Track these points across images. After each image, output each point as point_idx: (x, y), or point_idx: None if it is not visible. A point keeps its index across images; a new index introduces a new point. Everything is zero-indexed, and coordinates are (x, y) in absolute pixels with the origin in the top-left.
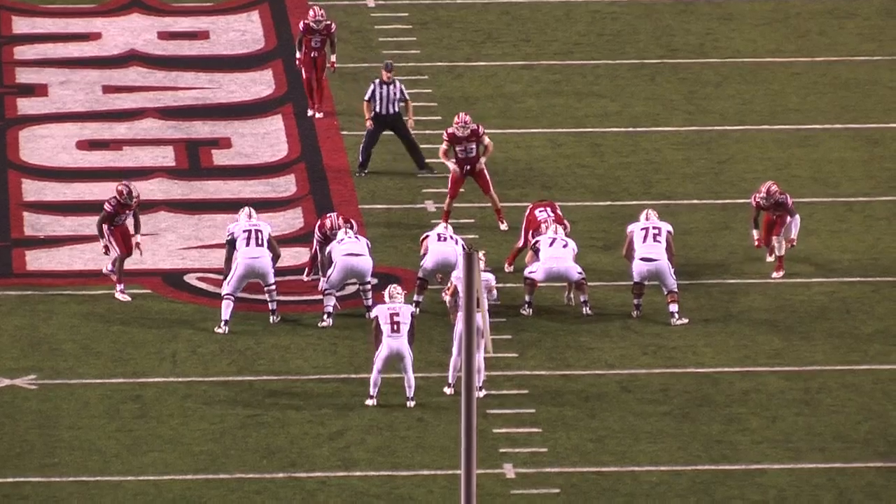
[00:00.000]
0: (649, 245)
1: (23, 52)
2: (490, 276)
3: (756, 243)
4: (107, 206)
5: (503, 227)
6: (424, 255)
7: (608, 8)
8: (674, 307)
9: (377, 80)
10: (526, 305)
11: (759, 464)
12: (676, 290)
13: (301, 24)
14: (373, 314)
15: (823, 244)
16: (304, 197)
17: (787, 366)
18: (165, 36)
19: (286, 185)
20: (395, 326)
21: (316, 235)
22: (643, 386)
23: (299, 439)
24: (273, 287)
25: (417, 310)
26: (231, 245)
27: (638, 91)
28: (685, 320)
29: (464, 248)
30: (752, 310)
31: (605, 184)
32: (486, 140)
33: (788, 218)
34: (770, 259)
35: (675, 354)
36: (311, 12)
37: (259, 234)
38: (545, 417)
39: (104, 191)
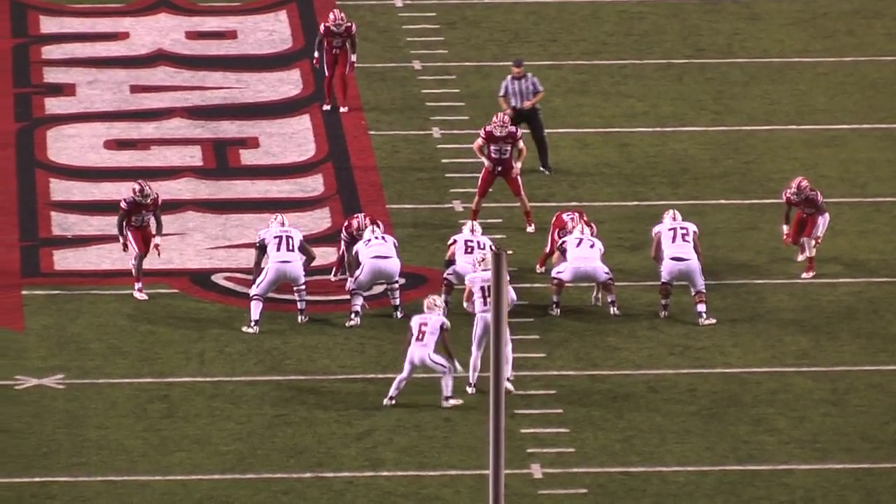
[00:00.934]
0: (679, 245)
1: (50, 51)
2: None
3: (785, 239)
4: (122, 204)
5: (530, 229)
6: (451, 260)
7: (635, 8)
8: (702, 307)
9: (509, 77)
10: (554, 306)
11: (786, 464)
12: (704, 290)
13: (321, 27)
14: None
15: (851, 244)
16: (331, 196)
17: (814, 366)
18: (193, 35)
19: (314, 185)
20: (421, 335)
21: (343, 236)
22: (670, 386)
23: (326, 439)
24: (303, 287)
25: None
26: (261, 249)
27: (665, 91)
28: (713, 320)
29: (491, 249)
30: (779, 310)
31: (632, 184)
32: (521, 144)
33: (818, 217)
34: (800, 259)
35: (702, 355)
36: (331, 15)
37: (290, 239)
38: (572, 417)
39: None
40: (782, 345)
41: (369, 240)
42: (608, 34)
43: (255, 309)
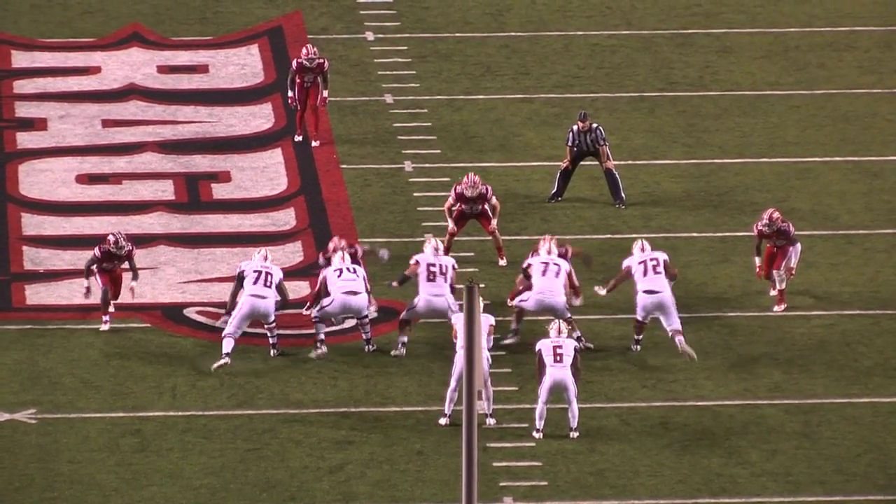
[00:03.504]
0: (651, 278)
1: (22, 86)
2: (487, 317)
3: (758, 272)
4: (95, 251)
5: (503, 262)
6: (407, 276)
7: (607, 41)
8: (680, 338)
9: (575, 128)
10: (511, 333)
11: (759, 496)
12: (680, 328)
13: (294, 63)
14: (536, 347)
15: (823, 277)
16: (303, 230)
17: (786, 398)
18: (165, 69)
19: (286, 219)
20: (559, 357)
21: (321, 261)
22: (643, 419)
23: (299, 473)
24: (273, 324)
25: (581, 344)
26: (239, 281)
27: (637, 124)
28: (693, 353)
29: (451, 287)
30: (751, 342)
31: (604, 217)
32: (494, 200)
33: (790, 248)
34: (773, 293)
35: (674, 388)
36: (304, 50)
37: (269, 276)
38: (545, 451)
39: (104, 225)
40: (755, 377)
41: (340, 270)
42: (580, 67)
43: (228, 345)
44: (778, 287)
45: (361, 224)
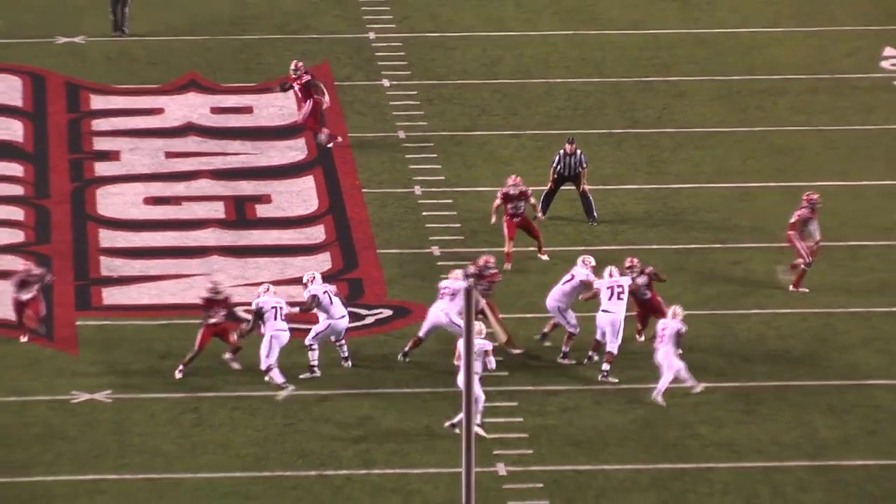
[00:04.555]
0: (613, 302)
1: (98, 124)
2: (486, 343)
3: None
4: (200, 301)
5: (545, 258)
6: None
7: (582, 87)
8: (606, 367)
9: (562, 152)
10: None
11: (707, 463)
12: (615, 352)
13: (292, 79)
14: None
15: (761, 282)
16: (331, 243)
17: (730, 382)
18: (217, 110)
19: (316, 234)
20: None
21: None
22: (613, 399)
23: (328, 443)
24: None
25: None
26: (258, 315)
27: (606, 155)
28: (615, 380)
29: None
30: (701, 336)
31: (580, 232)
32: (532, 200)
33: (813, 227)
34: (791, 289)
35: (638, 374)
36: (293, 64)
37: (281, 310)
38: (531, 425)
39: (167, 239)
40: (705, 365)
41: (326, 293)
42: (559, 108)
43: (277, 375)
44: (790, 282)
45: (379, 238)
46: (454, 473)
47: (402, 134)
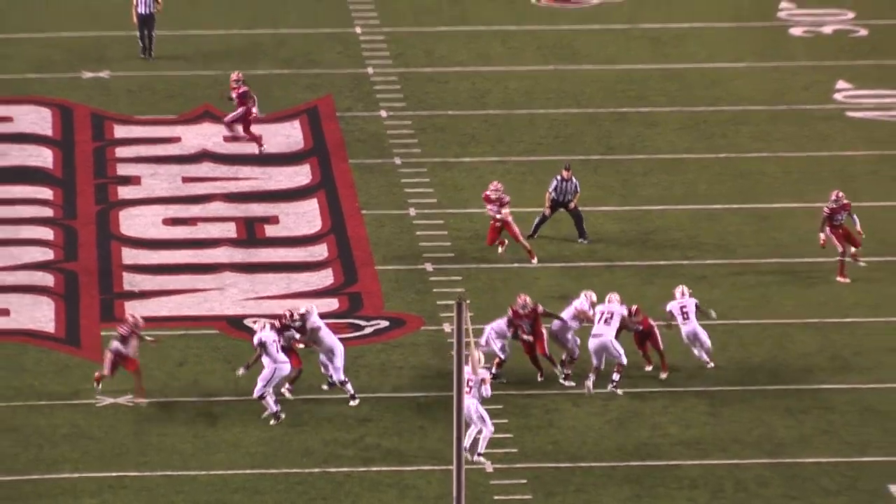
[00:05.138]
0: (601, 326)
1: (121, 151)
2: (484, 372)
3: (822, 243)
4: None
5: (534, 262)
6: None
7: (562, 117)
8: (616, 376)
9: (559, 177)
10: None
11: (676, 460)
12: (623, 362)
13: (231, 86)
14: (667, 308)
15: (725, 295)
16: (333, 260)
17: (697, 387)
18: (229, 139)
19: (320, 252)
20: (685, 315)
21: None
22: (589, 402)
23: (330, 443)
24: (291, 387)
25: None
26: (262, 348)
27: (585, 180)
28: (619, 391)
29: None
30: (672, 344)
31: (561, 249)
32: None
33: (852, 218)
34: (840, 279)
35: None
36: (233, 76)
37: (279, 344)
38: (515, 426)
39: (183, 256)
40: (673, 371)
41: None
42: (542, 137)
43: (271, 402)
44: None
45: (377, 255)
46: (446, 470)
47: (398, 160)
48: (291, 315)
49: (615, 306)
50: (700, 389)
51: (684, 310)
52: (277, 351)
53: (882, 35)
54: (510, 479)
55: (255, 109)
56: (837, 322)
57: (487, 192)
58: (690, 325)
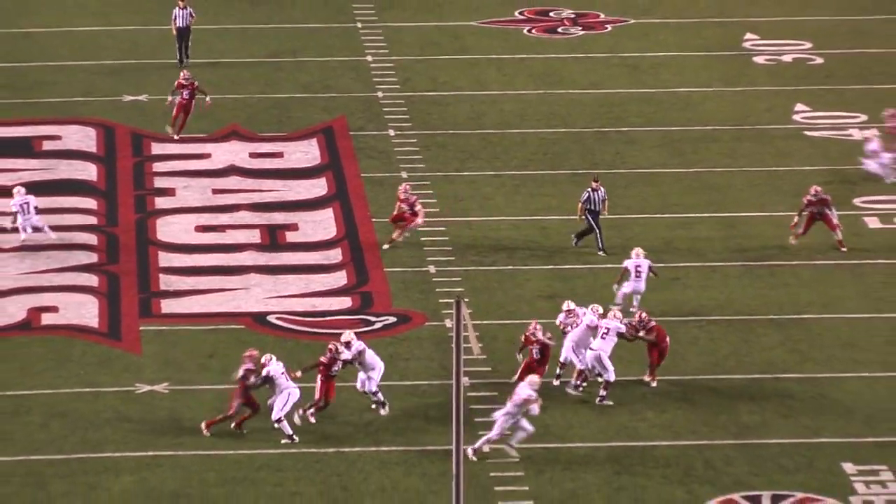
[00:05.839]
0: (598, 341)
1: (158, 166)
2: (532, 394)
3: (791, 226)
4: (326, 358)
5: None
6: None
7: (551, 136)
8: (603, 392)
9: (589, 189)
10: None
11: (652, 441)
12: (611, 380)
13: (176, 83)
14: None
15: (696, 294)
16: (347, 263)
17: (670, 376)
18: (255, 155)
19: (335, 256)
20: (638, 274)
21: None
22: (580, 402)
23: (345, 426)
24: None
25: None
26: (267, 381)
27: (570, 192)
28: (609, 402)
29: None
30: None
31: (550, 254)
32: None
33: (829, 213)
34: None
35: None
36: (181, 73)
37: (287, 373)
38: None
39: (216, 259)
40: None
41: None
42: (532, 153)
43: (287, 427)
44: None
45: (386, 259)
46: (447, 450)
47: (404, 174)
48: (336, 349)
49: (612, 323)
50: (674, 378)
51: (638, 269)
52: (287, 380)
53: (836, 63)
54: (505, 458)
55: (207, 98)
56: (795, 318)
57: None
58: (639, 284)
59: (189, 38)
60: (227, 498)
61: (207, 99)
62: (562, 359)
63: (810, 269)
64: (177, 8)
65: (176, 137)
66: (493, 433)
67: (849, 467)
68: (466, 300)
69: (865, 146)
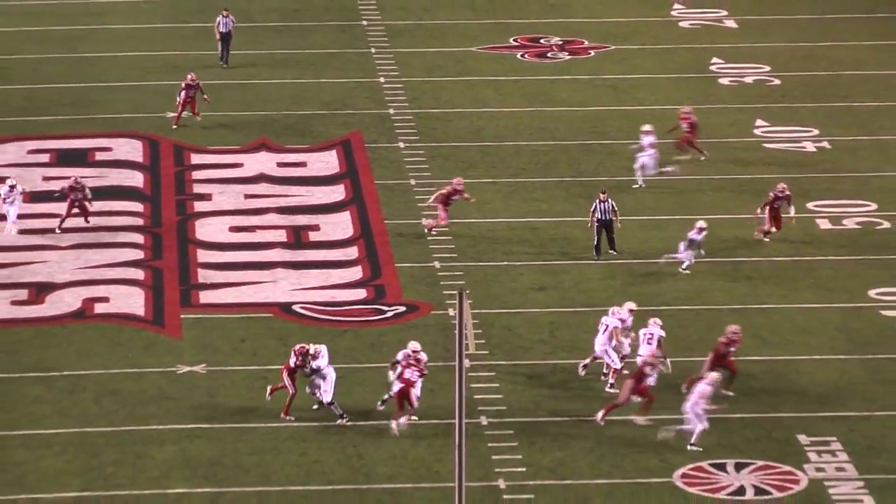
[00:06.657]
0: (644, 346)
1: (196, 174)
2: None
3: (757, 213)
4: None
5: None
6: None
7: (541, 147)
8: (611, 378)
9: (597, 200)
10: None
11: (629, 415)
12: (616, 367)
13: (183, 83)
14: None
15: (668, 287)
16: (362, 259)
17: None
18: (282, 164)
19: (352, 253)
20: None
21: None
22: (566, 370)
23: (360, 402)
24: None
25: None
26: (313, 371)
27: (558, 196)
28: (616, 390)
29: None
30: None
31: (540, 251)
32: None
33: (790, 207)
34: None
35: (590, 364)
36: (188, 76)
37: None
38: (505, 389)
39: (247, 256)
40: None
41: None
42: (525, 163)
43: (338, 408)
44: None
45: (397, 255)
46: (449, 423)
47: (412, 181)
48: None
49: (656, 329)
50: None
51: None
52: (328, 366)
53: (792, 84)
54: (501, 430)
55: (205, 97)
56: (756, 308)
57: (452, 187)
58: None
59: (230, 41)
60: (257, 465)
61: (206, 97)
62: (596, 353)
63: (769, 264)
64: (220, 16)
65: (174, 126)
66: (703, 425)
67: (803, 438)
68: (468, 292)
69: (642, 139)
